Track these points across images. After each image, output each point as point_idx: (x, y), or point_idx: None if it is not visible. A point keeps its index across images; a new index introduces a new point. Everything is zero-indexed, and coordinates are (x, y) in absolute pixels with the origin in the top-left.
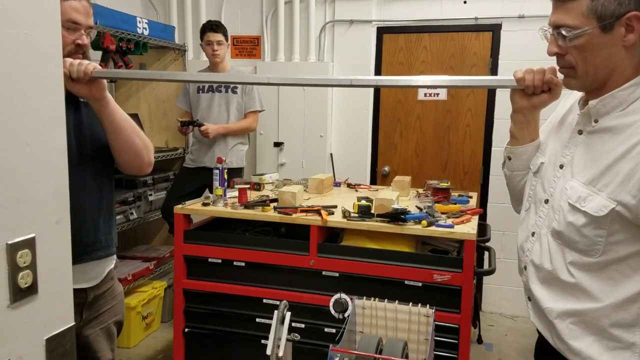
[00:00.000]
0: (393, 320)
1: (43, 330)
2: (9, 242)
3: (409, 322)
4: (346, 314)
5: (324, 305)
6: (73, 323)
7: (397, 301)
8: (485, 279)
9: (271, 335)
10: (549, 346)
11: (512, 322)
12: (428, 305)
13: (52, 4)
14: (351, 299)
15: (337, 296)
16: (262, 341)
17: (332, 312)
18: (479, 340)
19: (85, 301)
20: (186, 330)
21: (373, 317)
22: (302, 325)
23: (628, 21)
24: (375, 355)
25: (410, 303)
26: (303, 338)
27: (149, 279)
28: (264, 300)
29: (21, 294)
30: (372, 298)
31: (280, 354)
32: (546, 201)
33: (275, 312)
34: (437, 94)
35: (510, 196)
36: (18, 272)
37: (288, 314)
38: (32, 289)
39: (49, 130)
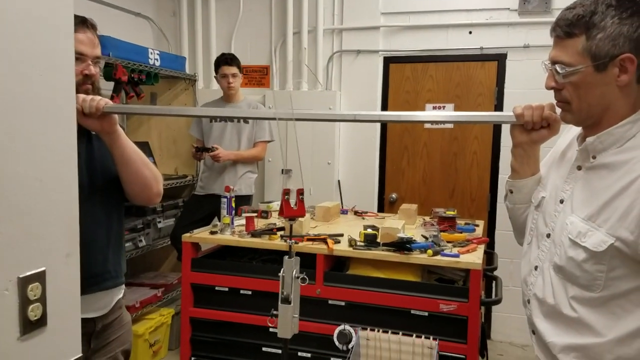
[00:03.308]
0: (397, 352)
1: None
2: (20, 276)
3: (413, 353)
4: (350, 345)
5: (330, 334)
6: (80, 354)
7: (400, 332)
8: (494, 307)
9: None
10: None
11: (521, 351)
12: (431, 337)
13: (66, 47)
14: (355, 330)
15: (341, 327)
16: None
17: (337, 343)
18: None
19: (93, 330)
20: (192, 359)
21: (377, 348)
22: (309, 355)
23: (622, 62)
24: None
25: (414, 335)
26: None
27: (156, 306)
28: (270, 329)
29: (31, 326)
30: (377, 329)
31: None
32: (548, 235)
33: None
34: (444, 123)
35: (513, 228)
36: (28, 305)
37: None
38: (41, 322)
39: (61, 167)
